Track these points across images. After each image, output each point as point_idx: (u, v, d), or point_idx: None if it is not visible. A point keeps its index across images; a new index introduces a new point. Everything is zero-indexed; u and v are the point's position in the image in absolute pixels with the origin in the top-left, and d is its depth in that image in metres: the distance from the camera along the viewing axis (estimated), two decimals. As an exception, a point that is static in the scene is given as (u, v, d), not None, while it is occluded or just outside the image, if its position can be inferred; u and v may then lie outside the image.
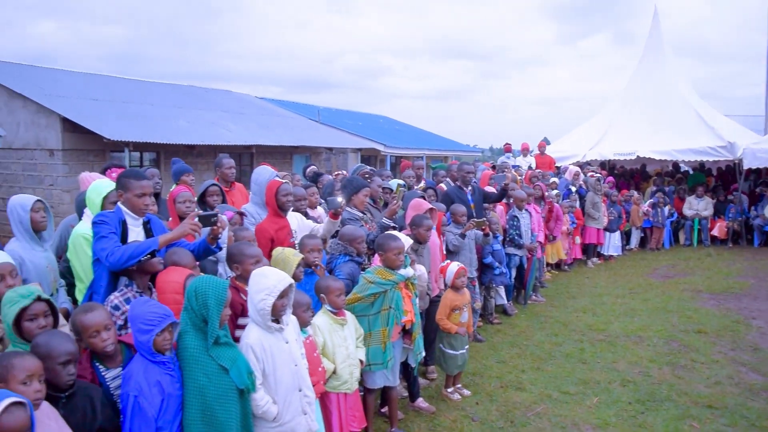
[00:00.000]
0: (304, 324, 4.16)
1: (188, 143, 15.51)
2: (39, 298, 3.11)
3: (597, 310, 9.25)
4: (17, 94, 15.13)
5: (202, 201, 5.91)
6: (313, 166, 9.54)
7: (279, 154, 19.16)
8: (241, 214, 5.42)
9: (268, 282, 3.59)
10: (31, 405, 2.45)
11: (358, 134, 23.98)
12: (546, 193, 10.52)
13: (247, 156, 17.99)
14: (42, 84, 16.58)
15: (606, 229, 13.07)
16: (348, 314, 4.65)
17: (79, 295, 4.46)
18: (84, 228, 4.53)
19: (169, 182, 7.84)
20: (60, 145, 14.48)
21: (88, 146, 14.58)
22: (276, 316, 3.64)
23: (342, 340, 4.49)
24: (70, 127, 14.37)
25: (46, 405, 2.78)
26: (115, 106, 17.04)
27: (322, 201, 7.17)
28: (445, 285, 6.17)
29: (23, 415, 2.38)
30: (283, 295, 3.62)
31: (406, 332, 5.07)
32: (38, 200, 4.43)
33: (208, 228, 4.00)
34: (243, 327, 3.83)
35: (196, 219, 3.90)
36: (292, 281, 3.70)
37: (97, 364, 3.22)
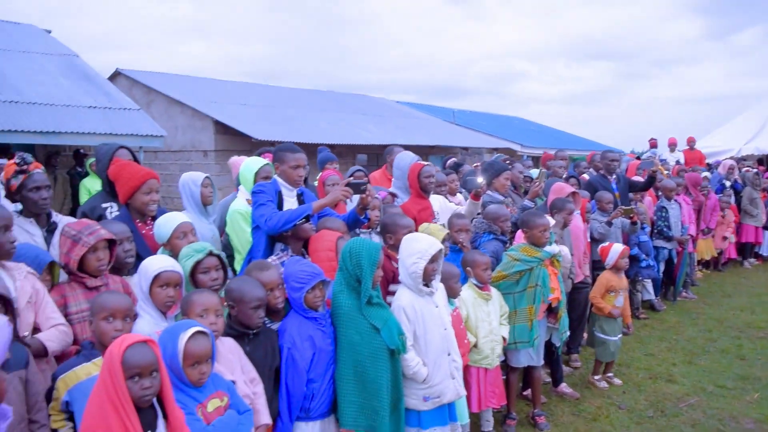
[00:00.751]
0: (454, 295, 4.25)
1: (329, 143, 16.10)
2: (211, 253, 3.42)
3: (756, 309, 8.64)
4: (176, 101, 16.42)
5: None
6: (453, 158, 9.61)
7: (415, 154, 19.38)
8: (393, 195, 5.60)
9: (420, 246, 3.72)
10: (212, 335, 2.71)
11: (494, 134, 23.82)
12: (700, 186, 9.95)
13: (384, 157, 18.38)
14: (197, 91, 17.87)
15: (765, 228, 12.14)
16: (493, 290, 4.67)
17: (237, 266, 4.79)
18: (239, 204, 4.90)
19: (314, 173, 8.22)
20: (213, 146, 15.53)
21: (238, 147, 15.49)
22: (426, 280, 3.75)
23: (485, 315, 4.53)
24: (221, 129, 15.40)
25: (231, 341, 3.09)
26: (262, 110, 18.03)
27: (462, 190, 7.23)
28: (596, 268, 6.06)
29: (206, 343, 2.65)
30: (434, 259, 3.73)
31: (550, 311, 5.03)
32: (207, 177, 4.83)
33: (358, 196, 4.19)
34: (393, 293, 3.98)
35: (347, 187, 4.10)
36: (442, 247, 3.80)
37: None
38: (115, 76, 17.50)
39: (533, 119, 34.01)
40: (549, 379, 5.80)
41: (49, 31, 15.54)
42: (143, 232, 4.08)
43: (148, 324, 3.01)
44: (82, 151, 12.05)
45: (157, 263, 3.15)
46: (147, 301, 3.10)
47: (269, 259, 3.99)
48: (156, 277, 3.08)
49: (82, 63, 13.91)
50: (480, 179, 5.75)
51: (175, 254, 3.60)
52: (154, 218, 4.11)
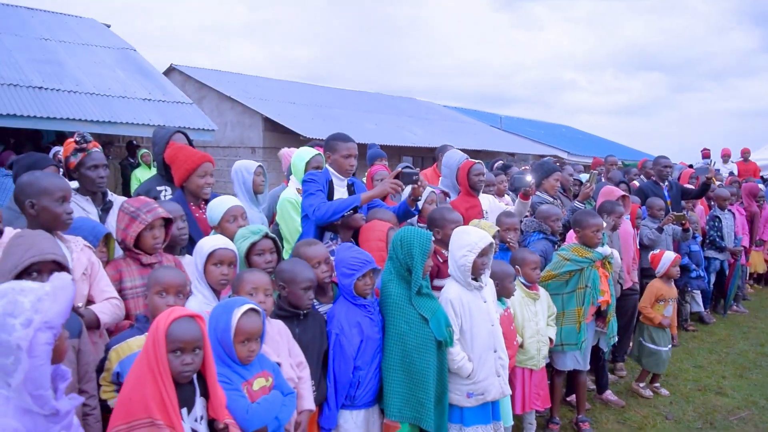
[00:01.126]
0: (507, 294, 4.18)
1: (375, 143, 16.14)
2: (267, 236, 3.43)
3: (811, 326, 8.31)
4: (226, 97, 16.70)
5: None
6: (501, 161, 9.51)
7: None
8: (446, 194, 5.54)
9: (470, 239, 3.65)
10: (264, 313, 2.70)
11: (541, 141, 23.59)
12: (757, 196, 9.61)
13: (429, 159, 18.36)
14: (247, 89, 18.11)
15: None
16: (541, 290, 4.57)
17: (286, 255, 4.78)
18: (290, 193, 4.91)
19: (361, 171, 8.21)
20: (261, 143, 15.74)
21: (286, 144, 15.59)
22: (476, 274, 3.69)
23: (532, 315, 4.43)
24: (270, 126, 15.60)
25: (280, 323, 3.09)
26: (310, 109, 18.20)
27: (510, 192, 7.13)
28: (645, 275, 5.90)
29: (258, 321, 2.64)
30: (484, 253, 3.66)
31: (599, 314, 4.90)
32: (259, 165, 4.85)
33: (410, 188, 4.14)
34: (438, 288, 3.90)
35: (398, 177, 4.06)
36: (493, 241, 3.73)
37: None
38: (170, 71, 17.88)
39: (581, 129, 33.53)
40: (593, 386, 5.66)
41: (109, 26, 15.92)
42: (197, 215, 4.12)
43: (200, 303, 3.02)
44: (135, 142, 12.30)
45: (212, 242, 3.18)
46: (201, 279, 3.12)
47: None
48: (210, 255, 3.10)
49: (138, 57, 14.21)
50: (528, 177, 5.64)
51: (226, 237, 3.58)
52: (207, 202, 4.13)
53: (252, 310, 2.63)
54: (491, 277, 4.03)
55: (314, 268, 3.35)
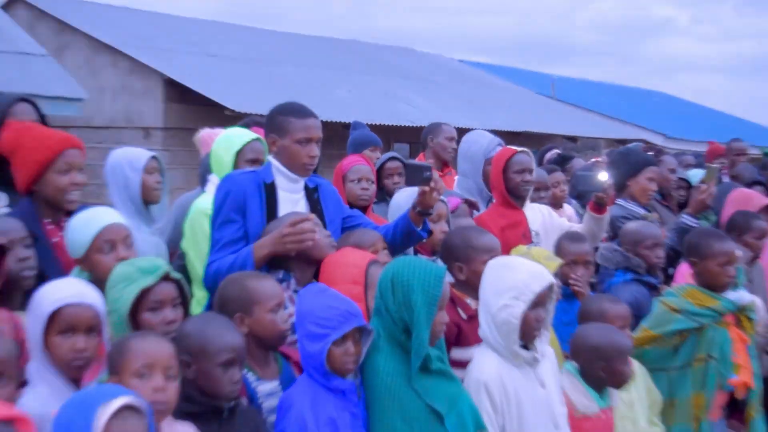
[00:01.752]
0: (618, 384, 4.13)
1: (348, 121, 16.09)
2: (168, 277, 3.27)
3: None
4: (103, 45, 16.55)
5: (379, 186, 6.03)
6: (556, 149, 9.52)
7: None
8: (471, 204, 5.45)
9: (516, 278, 3.57)
10: (150, 410, 2.55)
11: (618, 117, 23.71)
12: None
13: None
14: (138, 33, 18.02)
15: None
16: (636, 365, 4.46)
17: (197, 307, 4.55)
18: (207, 201, 4.78)
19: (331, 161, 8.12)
20: (160, 122, 15.64)
21: (201, 123, 15.52)
22: (527, 338, 3.61)
23: (625, 408, 4.33)
24: (175, 95, 15.51)
25: (189, 427, 2.92)
26: (240, 65, 18.16)
27: (573, 200, 7.11)
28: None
29: (138, 425, 2.49)
30: (540, 302, 3.57)
31: (735, 407, 4.83)
32: (153, 156, 4.74)
33: (415, 191, 4.02)
34: (462, 364, 3.80)
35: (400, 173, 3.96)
36: (554, 280, 3.67)
37: (247, 370, 3.33)
38: (11, 3, 17.70)
39: (683, 96, 33.89)
40: None
41: None
42: (54, 239, 4.02)
43: (43, 398, 2.85)
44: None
45: (56, 293, 3.02)
46: (42, 358, 2.97)
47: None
48: (54, 317, 2.94)
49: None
50: (603, 176, 5.55)
51: (97, 277, 3.48)
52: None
53: (128, 408, 2.48)
54: (592, 354, 4.01)
55: (272, 312, 3.36)
